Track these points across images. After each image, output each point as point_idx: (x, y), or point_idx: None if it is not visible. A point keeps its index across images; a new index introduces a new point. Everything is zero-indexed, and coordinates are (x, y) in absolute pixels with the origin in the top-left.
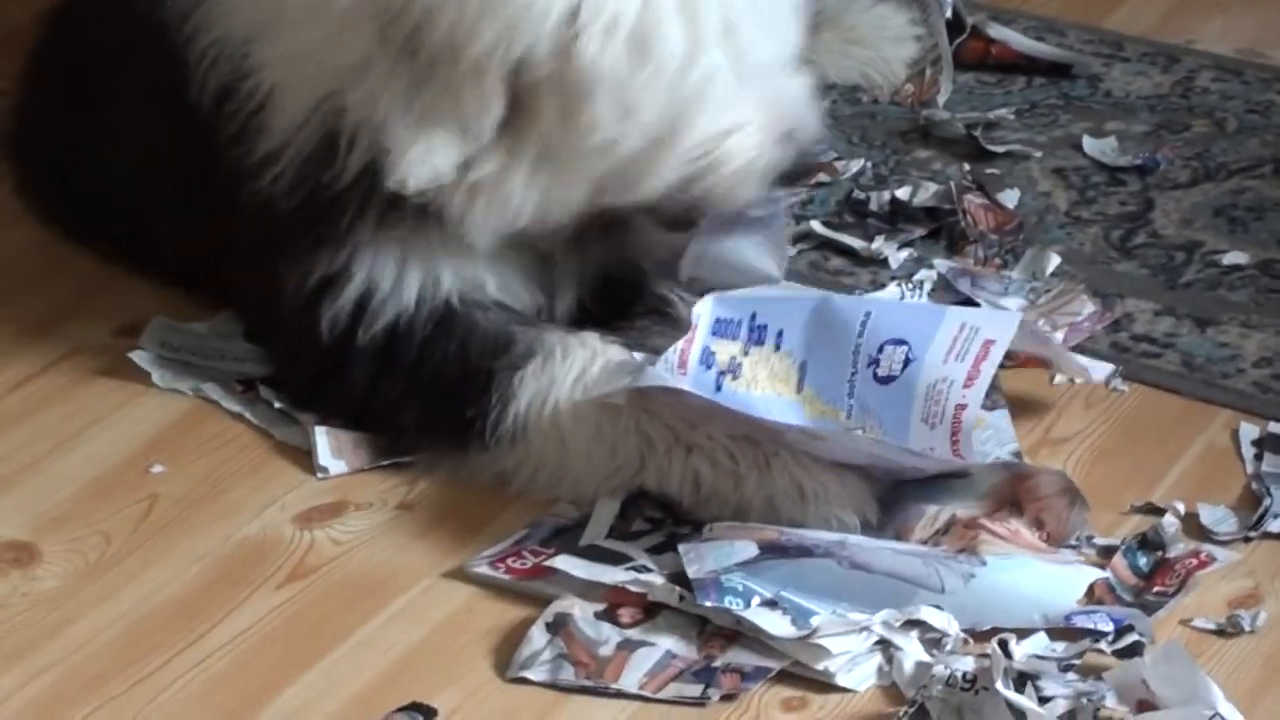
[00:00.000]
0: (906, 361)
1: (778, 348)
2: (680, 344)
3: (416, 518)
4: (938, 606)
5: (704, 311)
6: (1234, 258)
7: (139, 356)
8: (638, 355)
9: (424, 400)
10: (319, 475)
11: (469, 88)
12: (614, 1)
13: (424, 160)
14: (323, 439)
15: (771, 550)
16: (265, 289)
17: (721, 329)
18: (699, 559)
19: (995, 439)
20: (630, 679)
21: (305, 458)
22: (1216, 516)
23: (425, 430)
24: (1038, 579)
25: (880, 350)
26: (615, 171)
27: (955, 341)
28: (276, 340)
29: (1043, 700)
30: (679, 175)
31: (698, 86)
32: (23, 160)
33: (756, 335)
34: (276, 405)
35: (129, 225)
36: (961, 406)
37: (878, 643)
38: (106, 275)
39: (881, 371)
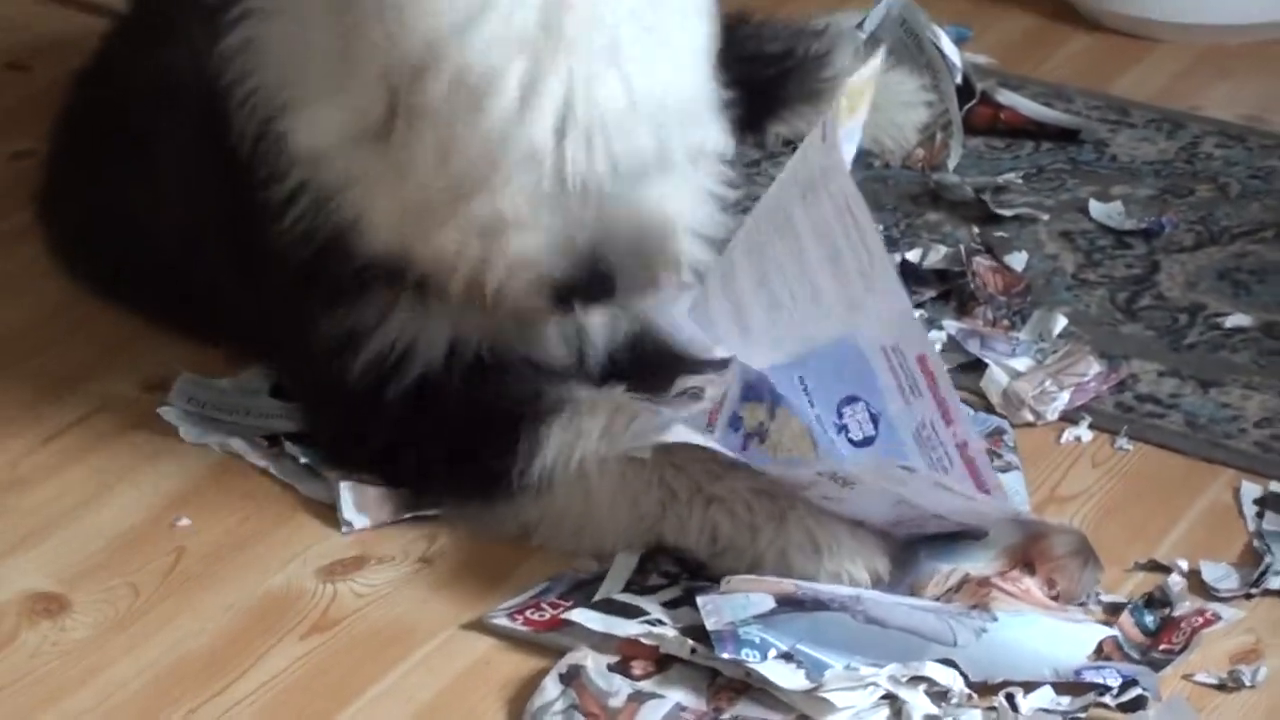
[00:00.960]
0: (874, 419)
1: (790, 410)
2: (708, 406)
3: (436, 571)
4: (951, 660)
5: (733, 378)
6: (1237, 320)
7: (166, 412)
8: (664, 411)
9: (451, 452)
10: (344, 530)
11: (361, 70)
12: (475, 50)
13: (308, 128)
14: (347, 494)
15: (788, 604)
16: (295, 337)
17: (748, 393)
18: (716, 611)
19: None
20: None
21: (328, 512)
22: (1219, 574)
23: (452, 481)
24: (1048, 635)
25: (840, 415)
26: (420, 210)
27: (894, 373)
28: (307, 390)
29: None
30: (458, 245)
31: (509, 163)
32: (53, 218)
33: (776, 399)
34: (302, 460)
35: (162, 279)
36: (962, 444)
37: (884, 697)
38: (134, 331)
39: (855, 435)
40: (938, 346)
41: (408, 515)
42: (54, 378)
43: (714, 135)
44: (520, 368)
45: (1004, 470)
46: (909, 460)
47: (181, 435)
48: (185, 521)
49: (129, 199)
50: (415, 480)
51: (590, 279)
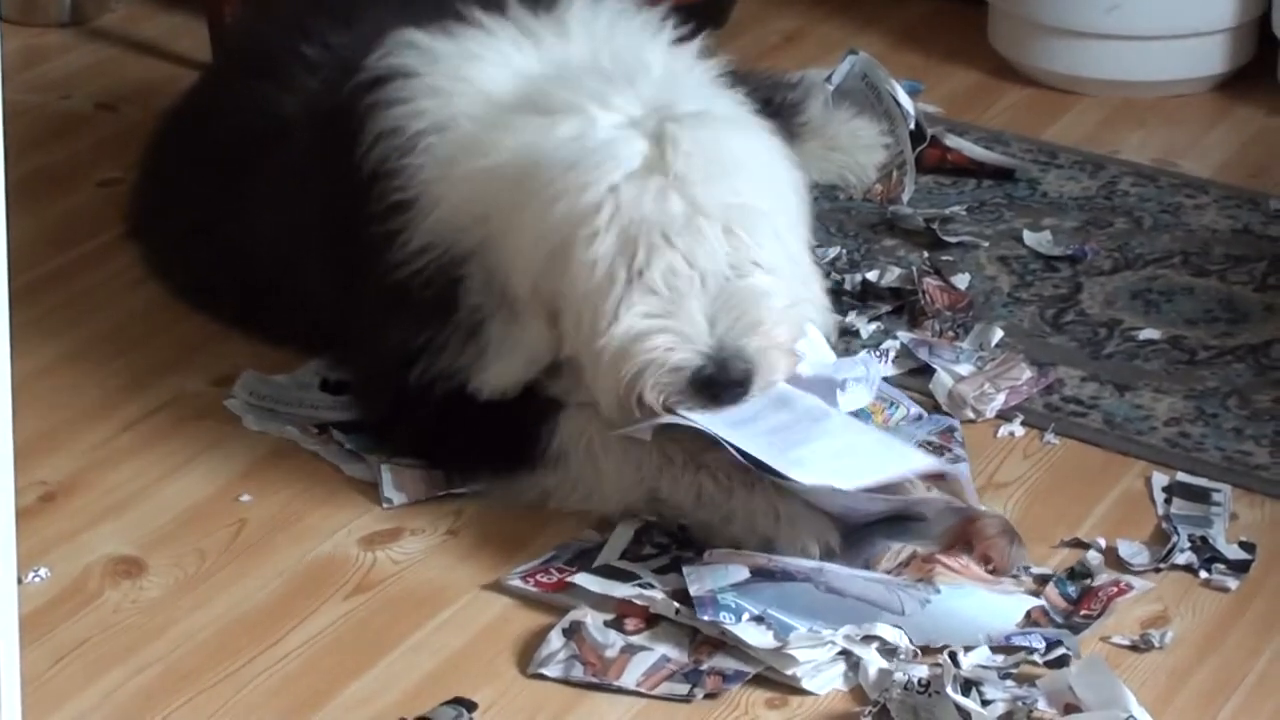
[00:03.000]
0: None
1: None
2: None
3: (462, 541)
4: (898, 626)
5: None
6: (1148, 334)
7: (231, 404)
8: None
9: (484, 437)
10: (384, 505)
11: (525, 319)
12: (559, 231)
13: (494, 380)
14: (387, 475)
15: (760, 574)
16: (372, 342)
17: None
18: (699, 579)
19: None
20: (630, 678)
21: (369, 490)
22: (1132, 550)
23: (483, 456)
24: (983, 605)
25: None
26: (585, 360)
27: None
28: (363, 384)
29: (985, 703)
30: (613, 373)
31: (601, 294)
32: (146, 234)
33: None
34: (347, 446)
35: (249, 282)
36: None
37: (840, 653)
38: (204, 335)
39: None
40: (892, 354)
41: (439, 493)
42: (135, 374)
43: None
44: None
45: (954, 462)
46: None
47: (244, 424)
48: (246, 498)
49: (220, 217)
50: (452, 459)
51: (726, 367)
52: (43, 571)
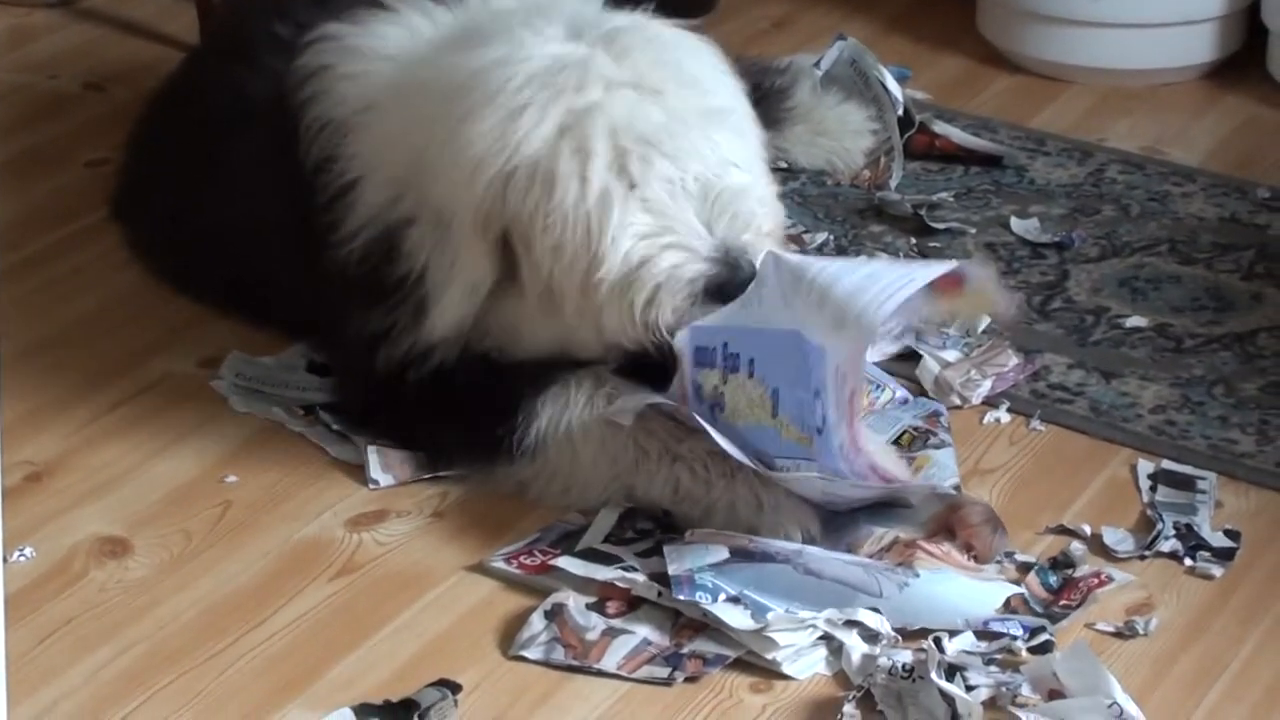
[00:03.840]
0: (823, 418)
1: (751, 375)
2: (677, 382)
3: (447, 524)
4: (875, 609)
5: (685, 345)
6: (1135, 321)
7: (217, 385)
8: (640, 387)
9: (460, 424)
10: (370, 486)
11: (464, 249)
12: (521, 151)
13: (443, 315)
14: (374, 456)
15: (739, 554)
16: (334, 332)
17: (701, 357)
18: (679, 559)
19: (939, 474)
20: (610, 660)
21: (355, 472)
22: (1117, 538)
23: (461, 447)
24: (962, 591)
25: (814, 400)
26: (578, 310)
27: (836, 391)
28: (340, 373)
29: (969, 688)
30: (619, 310)
31: (599, 215)
32: (129, 217)
33: (730, 363)
34: (333, 428)
35: (225, 271)
36: (872, 467)
37: (821, 638)
38: (190, 316)
39: (817, 421)
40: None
41: (425, 475)
42: (121, 355)
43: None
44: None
45: (939, 447)
46: (831, 462)
47: (230, 405)
48: (232, 478)
49: (200, 201)
50: (429, 446)
51: (735, 268)
52: (28, 551)
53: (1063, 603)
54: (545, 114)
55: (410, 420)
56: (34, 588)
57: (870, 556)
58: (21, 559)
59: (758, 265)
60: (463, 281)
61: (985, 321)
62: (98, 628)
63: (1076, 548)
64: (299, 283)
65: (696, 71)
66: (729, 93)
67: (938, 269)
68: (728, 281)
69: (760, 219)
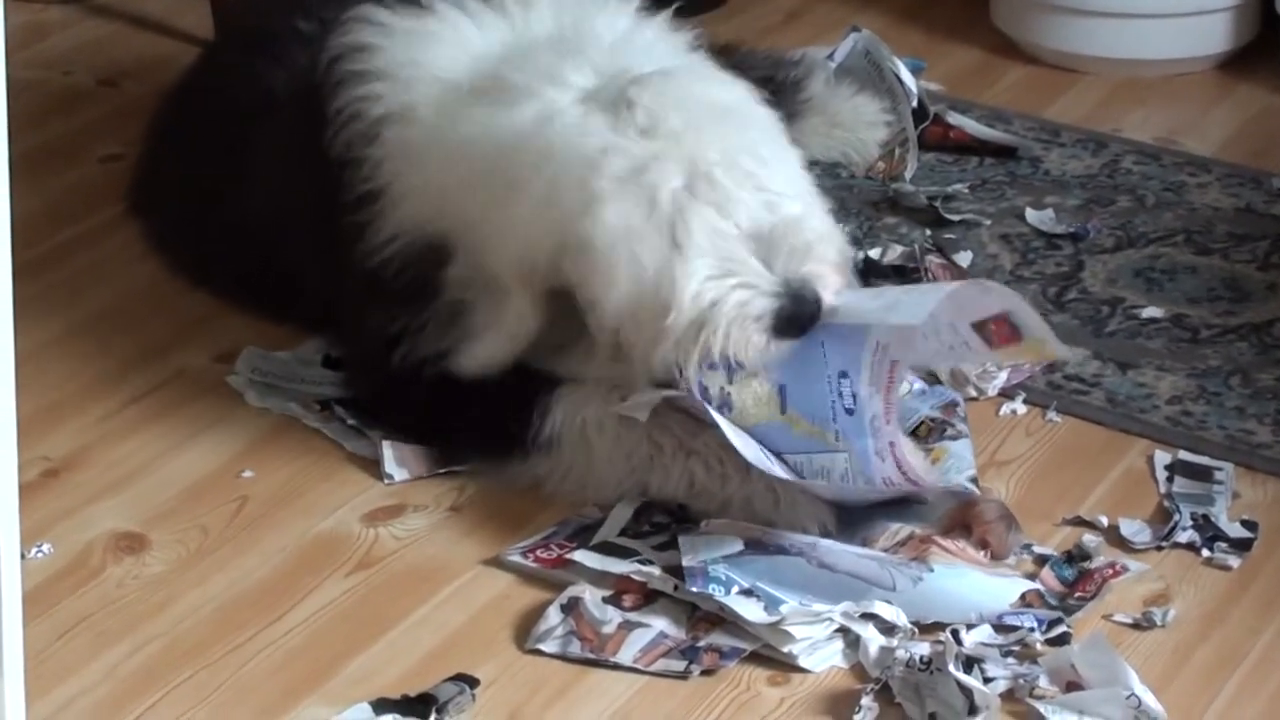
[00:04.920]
0: (854, 396)
1: (757, 373)
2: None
3: (464, 518)
4: (889, 602)
5: None
6: (1150, 312)
7: (233, 380)
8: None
9: (475, 419)
10: (386, 481)
11: (511, 300)
12: (571, 227)
13: (475, 358)
14: (389, 451)
15: (754, 546)
16: (356, 326)
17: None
18: (693, 550)
19: (956, 466)
20: (627, 654)
21: (371, 466)
22: (1134, 529)
23: (476, 442)
24: (976, 585)
25: (839, 382)
26: (641, 354)
27: (873, 367)
28: (355, 367)
29: (987, 680)
30: (688, 343)
31: (659, 263)
32: (146, 211)
33: (736, 363)
34: (349, 422)
35: (244, 263)
36: (892, 444)
37: (837, 630)
38: (206, 311)
39: (845, 403)
40: None
41: (441, 470)
42: (137, 350)
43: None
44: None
45: (955, 438)
46: (861, 441)
47: (246, 400)
48: (248, 473)
49: (219, 194)
50: (442, 441)
51: (801, 300)
52: (45, 547)
53: (1078, 594)
54: (589, 189)
55: (423, 415)
56: (51, 584)
57: (885, 551)
58: (39, 555)
59: (825, 296)
60: (507, 330)
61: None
62: (115, 624)
63: (1091, 539)
64: (320, 275)
65: (723, 106)
66: (765, 127)
67: (982, 292)
68: (796, 314)
69: (820, 247)
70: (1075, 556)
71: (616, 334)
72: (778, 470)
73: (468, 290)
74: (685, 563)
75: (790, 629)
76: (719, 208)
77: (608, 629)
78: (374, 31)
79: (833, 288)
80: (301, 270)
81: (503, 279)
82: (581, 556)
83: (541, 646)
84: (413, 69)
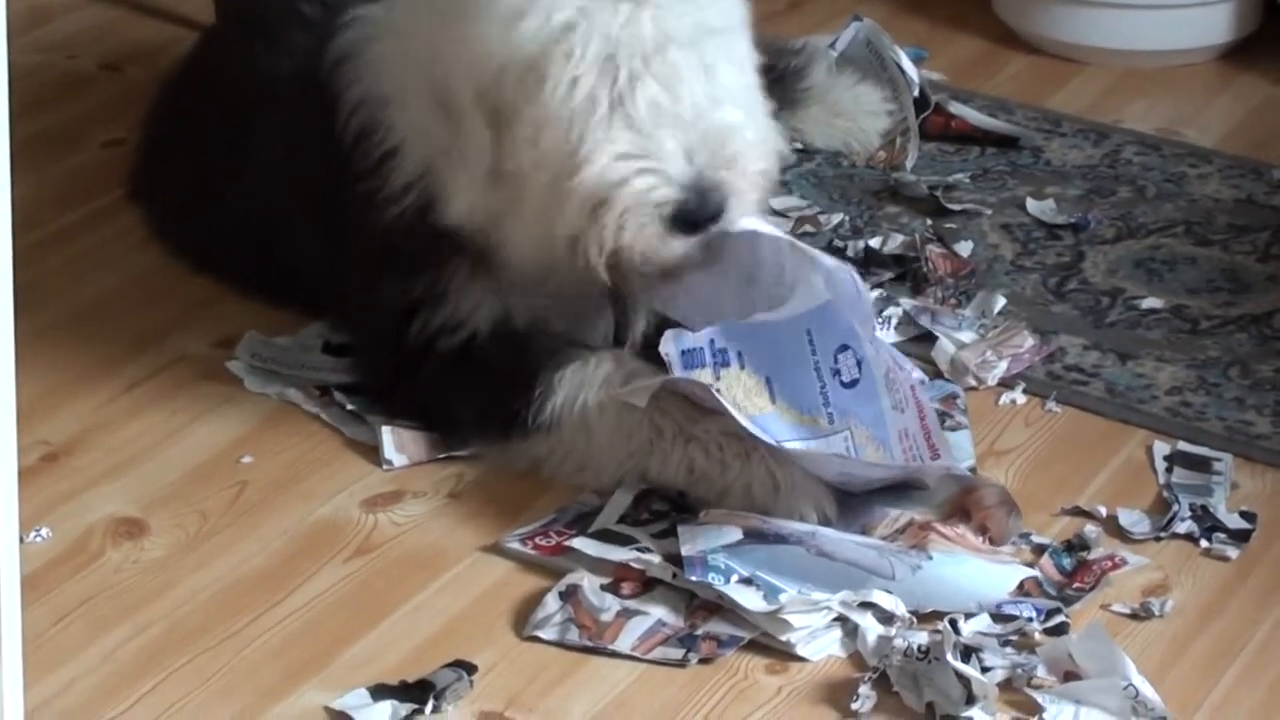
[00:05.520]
0: (859, 363)
1: (742, 367)
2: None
3: (463, 505)
4: (888, 591)
5: (670, 349)
6: (1151, 303)
7: (233, 365)
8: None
9: (480, 397)
10: (384, 467)
11: (465, 132)
12: (520, 48)
13: (454, 198)
14: (388, 436)
15: (753, 535)
16: (368, 301)
17: (689, 360)
18: (692, 540)
19: (955, 457)
20: (625, 642)
21: (371, 452)
22: (1133, 519)
23: (478, 421)
24: (976, 573)
25: (836, 360)
26: (540, 207)
27: (863, 329)
28: (365, 344)
29: (985, 670)
30: (581, 218)
31: (582, 122)
32: (146, 196)
33: (721, 358)
34: (349, 408)
35: (247, 248)
36: (914, 386)
37: (835, 619)
38: (206, 296)
39: (845, 378)
40: (894, 321)
41: (440, 456)
42: (137, 335)
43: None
44: (554, 339)
45: (954, 429)
46: (874, 403)
47: (246, 385)
48: (248, 459)
49: (219, 179)
50: (446, 421)
51: (699, 198)
52: (44, 531)
53: (1076, 585)
54: (547, 19)
55: (428, 393)
56: (50, 568)
57: (885, 539)
58: (38, 539)
59: (730, 205)
60: (470, 165)
61: (1000, 303)
62: (114, 608)
63: (1091, 530)
64: (330, 256)
65: (712, 1)
66: (731, 17)
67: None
68: (695, 211)
69: (747, 159)
70: (1075, 546)
71: (517, 172)
72: (795, 443)
73: (437, 144)
74: (684, 552)
75: (788, 617)
76: (667, 85)
77: (606, 616)
78: (370, 26)
79: (745, 202)
80: (306, 256)
81: (461, 104)
82: (580, 544)
83: (539, 633)
84: (407, 43)
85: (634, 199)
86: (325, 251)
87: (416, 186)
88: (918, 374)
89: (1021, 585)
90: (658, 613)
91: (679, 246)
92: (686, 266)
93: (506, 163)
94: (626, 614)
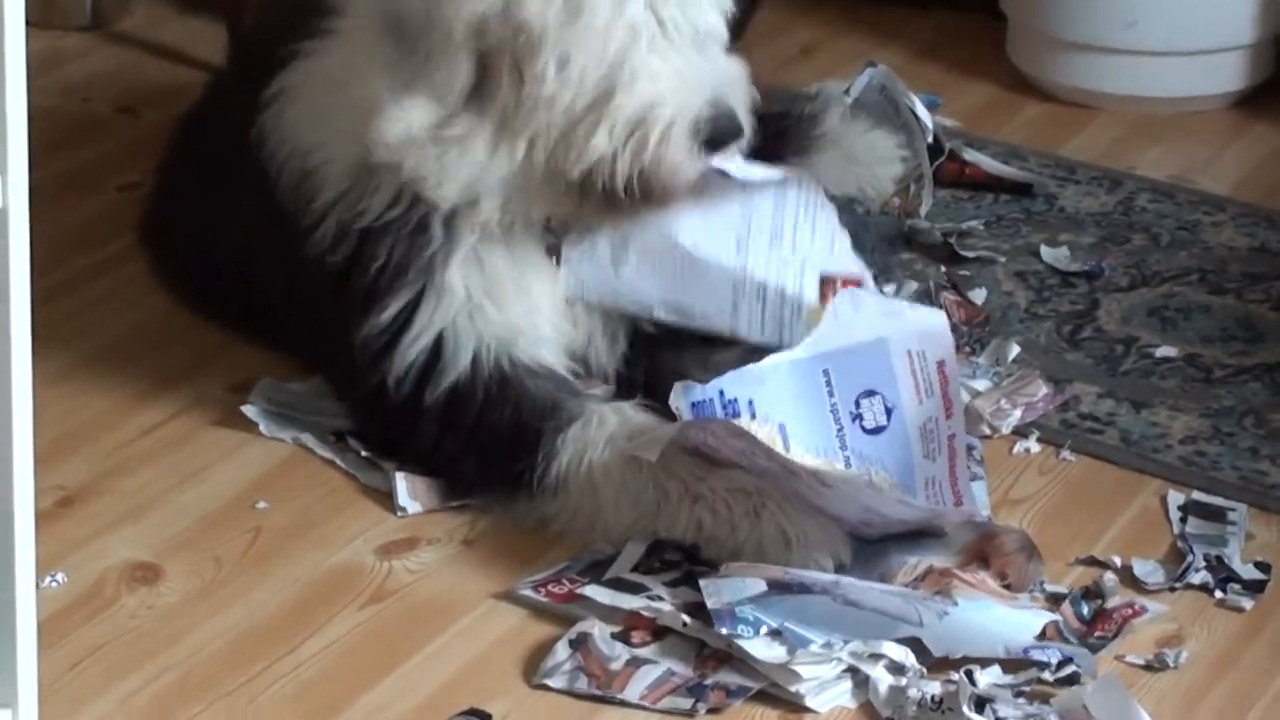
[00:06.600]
0: (888, 411)
1: (754, 416)
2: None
3: (477, 552)
4: (917, 639)
5: (680, 403)
6: (1165, 351)
7: (248, 410)
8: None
9: (481, 455)
10: (399, 514)
11: (441, 56)
12: None
13: (399, 119)
14: (402, 483)
15: (777, 587)
16: (337, 347)
17: (699, 411)
18: (717, 593)
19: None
20: (634, 691)
21: (385, 499)
22: (1147, 569)
23: (481, 480)
24: (1000, 619)
25: (858, 405)
26: (562, 133)
27: (914, 375)
28: (353, 397)
29: None
30: (615, 139)
31: (622, 46)
32: (155, 242)
33: (731, 409)
34: (363, 454)
35: (241, 298)
36: (952, 436)
37: (846, 670)
38: (222, 341)
39: (868, 424)
40: None
41: (455, 503)
42: (153, 379)
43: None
44: (541, 379)
45: (971, 480)
46: (903, 452)
47: (261, 430)
48: (263, 505)
49: (214, 227)
50: (450, 476)
51: (726, 118)
52: (59, 576)
53: (1098, 633)
54: None
55: (429, 449)
56: (65, 614)
57: (905, 586)
58: (53, 584)
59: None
60: (435, 88)
61: (1014, 351)
62: (129, 654)
63: (1109, 579)
64: (292, 303)
65: None
66: None
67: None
68: (724, 130)
69: (740, 88)
70: (1092, 594)
71: (527, 104)
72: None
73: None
74: (710, 605)
75: (797, 668)
76: (689, 10)
77: (615, 665)
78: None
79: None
80: (279, 303)
81: (452, 32)
82: (592, 592)
83: (548, 681)
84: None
85: (678, 115)
86: (287, 300)
87: (337, 197)
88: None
89: (1044, 631)
90: (667, 662)
91: (701, 166)
92: (693, 189)
93: (499, 100)
94: (636, 663)
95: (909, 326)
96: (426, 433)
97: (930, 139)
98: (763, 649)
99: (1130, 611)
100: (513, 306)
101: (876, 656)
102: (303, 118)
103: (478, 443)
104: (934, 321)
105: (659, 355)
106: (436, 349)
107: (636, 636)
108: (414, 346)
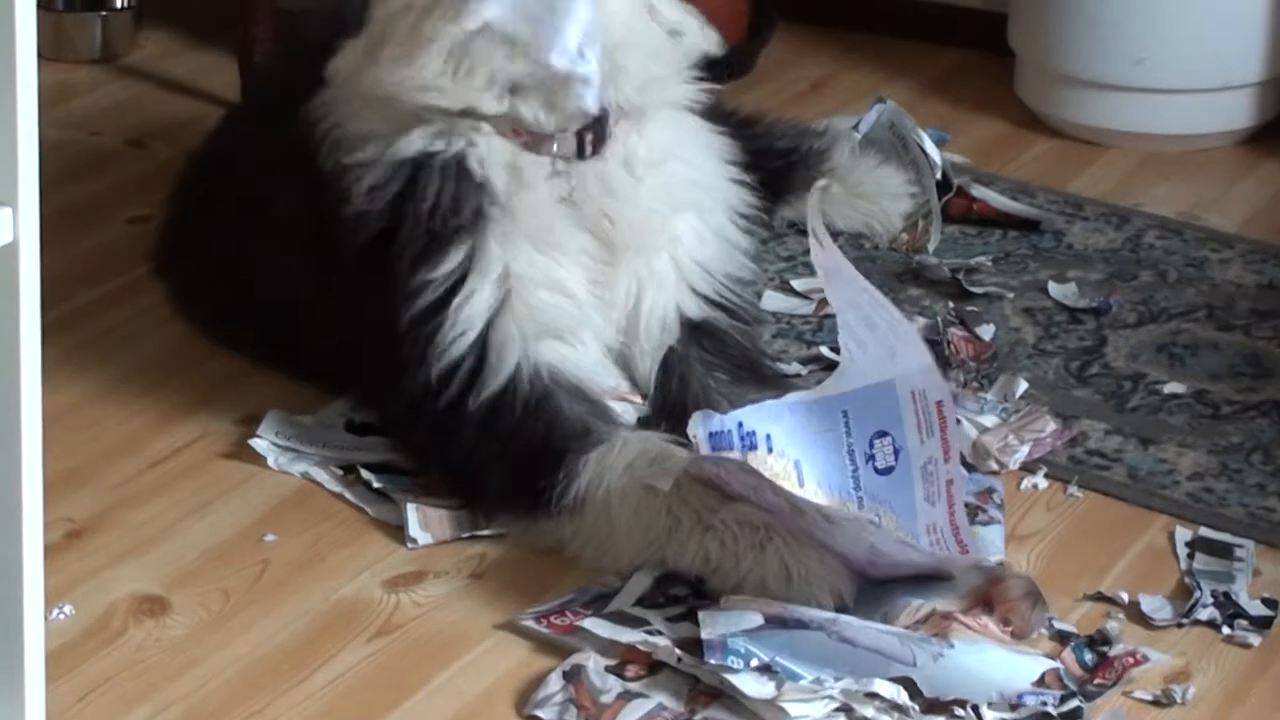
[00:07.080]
0: (896, 452)
1: (770, 450)
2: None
3: (485, 585)
4: (910, 679)
5: (698, 431)
6: (1173, 388)
7: (257, 443)
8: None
9: (510, 469)
10: (409, 545)
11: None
12: None
13: (421, 66)
14: (413, 514)
15: (773, 621)
16: (380, 335)
17: (717, 442)
18: (712, 624)
19: (983, 551)
20: None
21: (393, 532)
22: (1155, 605)
23: (505, 495)
24: (997, 663)
25: (871, 445)
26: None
27: (917, 415)
28: (396, 401)
29: None
30: None
31: None
32: (170, 272)
33: (748, 441)
34: (373, 487)
35: (264, 322)
36: (949, 481)
37: (838, 709)
38: (230, 374)
39: (880, 465)
40: None
41: (465, 535)
42: (161, 411)
43: None
44: (578, 402)
45: (987, 524)
46: (906, 493)
47: (269, 463)
48: (271, 537)
49: (239, 258)
50: (475, 494)
51: None
52: (67, 609)
53: (1098, 681)
54: None
55: (458, 460)
56: (73, 646)
57: (906, 628)
58: (61, 617)
59: None
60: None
61: (1022, 387)
62: (136, 686)
63: (1113, 626)
64: (336, 301)
65: None
66: None
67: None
68: None
69: None
70: (1097, 641)
71: None
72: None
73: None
74: (704, 635)
75: (786, 706)
76: None
77: (606, 698)
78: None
79: None
80: (316, 314)
81: None
82: (591, 624)
83: (539, 713)
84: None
85: None
86: (329, 301)
87: (381, 168)
88: (965, 474)
89: (1042, 678)
90: (659, 697)
91: None
92: None
93: None
94: (627, 696)
95: (909, 364)
96: (467, 440)
97: (939, 175)
98: (751, 685)
99: (1132, 660)
100: (550, 295)
101: (870, 695)
102: (347, 112)
103: (509, 456)
104: (926, 361)
105: (690, 377)
106: (482, 347)
107: (631, 670)
108: (463, 313)
